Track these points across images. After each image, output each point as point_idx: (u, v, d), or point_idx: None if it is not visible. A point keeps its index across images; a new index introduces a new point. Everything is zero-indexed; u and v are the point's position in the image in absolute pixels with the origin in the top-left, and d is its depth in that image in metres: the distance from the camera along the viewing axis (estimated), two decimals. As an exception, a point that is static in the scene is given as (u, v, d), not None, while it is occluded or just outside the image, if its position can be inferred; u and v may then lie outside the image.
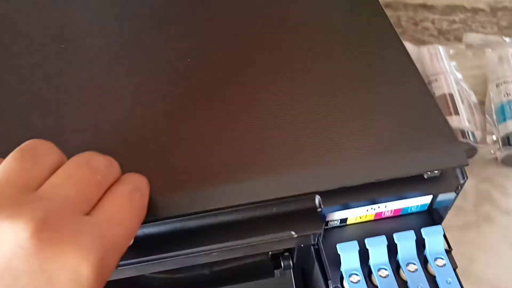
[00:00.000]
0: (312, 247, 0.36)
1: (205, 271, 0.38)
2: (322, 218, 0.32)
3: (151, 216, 0.29)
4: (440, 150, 0.33)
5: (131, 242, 0.28)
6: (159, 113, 0.35)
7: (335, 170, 0.32)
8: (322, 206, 0.32)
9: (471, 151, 0.51)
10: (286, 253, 0.39)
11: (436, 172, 0.34)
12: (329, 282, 0.34)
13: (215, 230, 0.31)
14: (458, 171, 0.35)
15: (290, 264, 0.39)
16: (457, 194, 0.35)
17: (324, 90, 0.37)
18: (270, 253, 0.39)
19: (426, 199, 0.36)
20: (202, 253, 0.30)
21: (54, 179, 0.26)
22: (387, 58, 0.40)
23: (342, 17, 0.44)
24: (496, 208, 0.49)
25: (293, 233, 0.31)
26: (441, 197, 0.35)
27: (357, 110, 0.35)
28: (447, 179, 0.35)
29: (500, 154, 0.51)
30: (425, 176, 0.34)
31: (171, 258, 0.30)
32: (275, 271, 0.39)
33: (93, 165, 0.27)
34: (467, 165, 0.34)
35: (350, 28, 0.44)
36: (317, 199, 0.32)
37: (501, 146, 0.51)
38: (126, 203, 0.27)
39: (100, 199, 0.27)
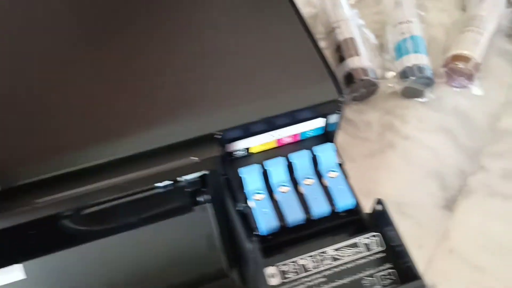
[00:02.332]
0: (222, 177, 0.40)
1: (124, 212, 0.41)
2: (221, 143, 0.36)
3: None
4: (317, 89, 0.38)
5: None
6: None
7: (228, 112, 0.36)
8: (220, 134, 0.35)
9: (373, 87, 0.55)
10: (204, 189, 0.43)
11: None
12: (237, 204, 0.38)
13: (121, 163, 0.34)
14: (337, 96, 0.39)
15: (207, 198, 0.42)
16: (339, 115, 0.39)
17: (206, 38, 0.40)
18: (188, 191, 0.42)
19: (320, 123, 0.40)
20: (111, 185, 0.33)
21: None
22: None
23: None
24: (397, 135, 0.54)
25: (195, 158, 0.34)
26: (330, 119, 0.40)
27: (242, 63, 0.39)
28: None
29: (398, 87, 0.56)
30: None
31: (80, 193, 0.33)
32: (195, 207, 0.43)
33: None
34: (339, 99, 0.38)
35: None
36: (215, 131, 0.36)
37: (398, 80, 0.56)
38: None
39: None
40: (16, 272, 0.41)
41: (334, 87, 0.37)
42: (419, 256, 0.49)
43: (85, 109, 0.36)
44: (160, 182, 0.37)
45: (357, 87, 0.55)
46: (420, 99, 0.56)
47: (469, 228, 0.49)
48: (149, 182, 0.36)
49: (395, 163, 0.52)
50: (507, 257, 0.47)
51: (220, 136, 0.35)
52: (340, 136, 0.56)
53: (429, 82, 0.55)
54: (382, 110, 0.56)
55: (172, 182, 0.43)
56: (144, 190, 0.43)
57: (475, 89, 0.57)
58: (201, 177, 0.43)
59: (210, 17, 0.41)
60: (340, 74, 0.56)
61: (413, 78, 0.54)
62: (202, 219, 0.43)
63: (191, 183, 0.43)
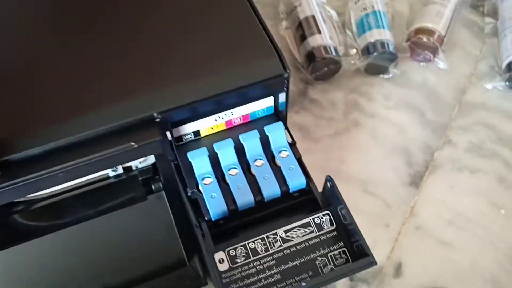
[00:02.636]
0: (172, 163, 0.39)
1: (77, 204, 0.40)
2: (162, 128, 0.34)
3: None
4: (261, 65, 0.36)
5: None
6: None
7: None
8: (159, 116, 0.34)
9: (335, 65, 0.54)
10: (156, 177, 0.41)
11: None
12: (187, 189, 0.37)
13: (61, 152, 0.32)
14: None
15: (160, 186, 0.41)
16: (287, 92, 0.37)
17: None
18: (140, 179, 0.41)
19: (269, 102, 0.39)
20: (49, 174, 0.32)
21: None
22: None
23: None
24: (363, 113, 0.53)
25: (133, 143, 0.33)
26: (279, 97, 0.38)
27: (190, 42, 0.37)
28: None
29: (361, 64, 0.55)
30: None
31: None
32: (149, 196, 0.41)
33: None
34: (284, 74, 0.36)
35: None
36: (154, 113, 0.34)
37: (361, 56, 0.55)
38: None
39: None
40: (-34, 271, 0.39)
41: (280, 63, 0.35)
42: (386, 235, 0.48)
43: (14, 96, 0.34)
44: (100, 170, 0.36)
45: (319, 66, 0.53)
46: (384, 75, 0.55)
47: (435, 204, 0.48)
48: (87, 170, 0.34)
49: (361, 142, 0.51)
50: (474, 231, 0.46)
51: (159, 119, 0.33)
52: (305, 117, 0.55)
53: (392, 58, 0.54)
54: (347, 89, 0.55)
55: (124, 171, 0.42)
56: (96, 181, 0.42)
57: (440, 62, 0.55)
58: (154, 164, 0.42)
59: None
60: (302, 53, 0.55)
61: (375, 54, 0.53)
62: (158, 208, 0.42)
63: (143, 171, 0.42)
